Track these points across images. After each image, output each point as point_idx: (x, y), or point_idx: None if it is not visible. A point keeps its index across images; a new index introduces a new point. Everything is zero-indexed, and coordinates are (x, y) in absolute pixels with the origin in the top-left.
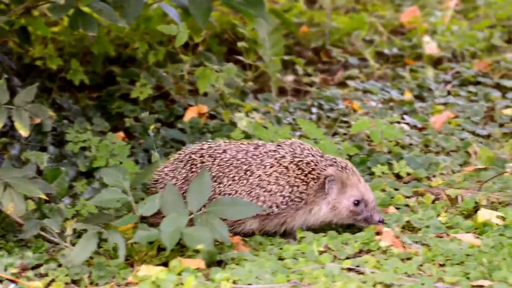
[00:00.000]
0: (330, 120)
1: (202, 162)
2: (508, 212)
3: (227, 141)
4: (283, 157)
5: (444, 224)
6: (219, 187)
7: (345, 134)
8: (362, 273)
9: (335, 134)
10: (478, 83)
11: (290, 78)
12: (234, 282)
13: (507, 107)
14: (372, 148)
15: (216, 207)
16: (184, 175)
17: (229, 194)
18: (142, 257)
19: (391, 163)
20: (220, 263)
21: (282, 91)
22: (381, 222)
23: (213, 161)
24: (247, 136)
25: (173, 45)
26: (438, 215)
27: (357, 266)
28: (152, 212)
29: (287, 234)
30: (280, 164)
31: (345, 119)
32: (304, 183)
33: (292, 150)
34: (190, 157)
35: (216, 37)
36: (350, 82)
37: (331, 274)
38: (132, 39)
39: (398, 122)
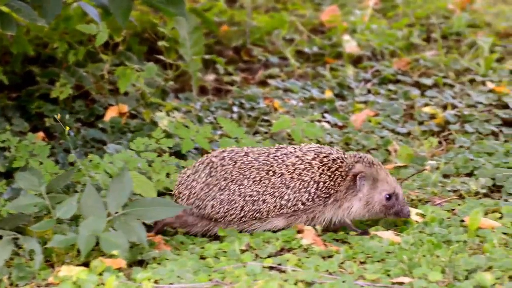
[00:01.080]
0: (251, 119)
1: (223, 165)
2: (428, 209)
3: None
4: (306, 154)
5: (364, 222)
6: (239, 189)
7: (266, 132)
8: (283, 272)
9: (256, 132)
10: (397, 81)
11: (211, 77)
12: (156, 282)
13: (426, 105)
14: None
15: (135, 208)
16: (203, 179)
17: (250, 195)
18: (62, 257)
19: None
20: (141, 263)
21: (203, 90)
22: (409, 215)
23: (234, 164)
24: (168, 136)
25: (93, 45)
26: None
27: (279, 265)
28: (70, 214)
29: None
30: (303, 161)
31: (266, 117)
32: (331, 179)
33: (314, 149)
34: (210, 160)
35: (137, 36)
36: (271, 81)
37: (252, 272)
38: (52, 39)
39: (319, 121)
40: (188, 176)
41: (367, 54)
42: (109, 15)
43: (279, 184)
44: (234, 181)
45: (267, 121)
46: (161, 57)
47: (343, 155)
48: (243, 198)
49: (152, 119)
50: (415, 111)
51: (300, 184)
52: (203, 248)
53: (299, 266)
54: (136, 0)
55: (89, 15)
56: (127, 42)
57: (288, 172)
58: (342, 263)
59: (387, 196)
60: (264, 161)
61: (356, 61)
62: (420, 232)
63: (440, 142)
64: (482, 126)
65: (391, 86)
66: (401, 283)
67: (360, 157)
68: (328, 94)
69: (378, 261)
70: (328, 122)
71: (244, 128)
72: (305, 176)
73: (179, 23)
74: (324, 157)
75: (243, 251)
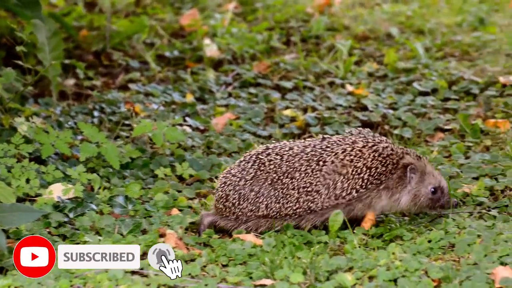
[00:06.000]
0: (112, 124)
1: (270, 161)
2: None
3: (291, 140)
4: (355, 142)
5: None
6: (292, 182)
7: (127, 137)
8: (145, 276)
9: (117, 137)
10: (258, 84)
11: (71, 82)
12: None
13: (286, 108)
14: (155, 151)
15: None
16: (252, 174)
17: (304, 187)
18: None
19: (173, 165)
20: (1, 270)
21: (63, 95)
22: (458, 205)
23: (281, 158)
24: (28, 141)
25: None
26: None
27: (141, 269)
28: None
29: None
30: (354, 148)
31: (127, 122)
32: (382, 164)
33: (363, 136)
34: (257, 157)
35: None
36: (131, 85)
37: (114, 277)
38: None
39: (180, 125)
40: (233, 176)
41: (227, 58)
42: None
43: (334, 173)
44: (284, 174)
45: (128, 125)
46: (20, 62)
47: (391, 144)
48: (297, 191)
49: (11, 124)
50: (276, 114)
51: (353, 170)
52: None
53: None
54: None
55: None
56: None
57: (339, 159)
58: (204, 266)
59: (433, 189)
60: (312, 152)
61: (217, 64)
62: (282, 234)
63: None
64: (341, 128)
65: (252, 90)
66: (263, 286)
67: (407, 150)
68: (189, 98)
69: (241, 264)
70: (189, 126)
71: (105, 132)
72: (357, 162)
73: (38, 28)
74: (373, 145)
75: None
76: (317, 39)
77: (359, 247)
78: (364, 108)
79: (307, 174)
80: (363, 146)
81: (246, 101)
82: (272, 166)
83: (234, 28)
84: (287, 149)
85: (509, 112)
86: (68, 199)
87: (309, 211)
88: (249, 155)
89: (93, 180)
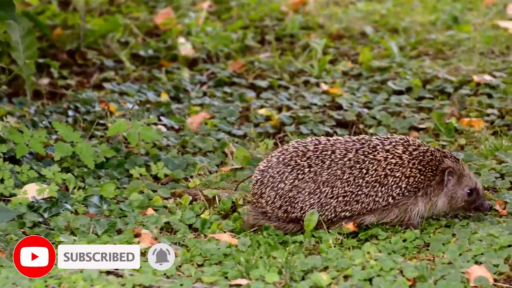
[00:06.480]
0: (86, 123)
1: (310, 166)
2: None
3: (329, 138)
4: (395, 147)
5: (202, 225)
6: (332, 191)
7: (102, 136)
8: (121, 276)
9: (92, 137)
10: (233, 83)
11: (45, 81)
12: None
13: (261, 107)
14: (130, 150)
15: None
16: (291, 181)
17: (344, 196)
18: None
19: (148, 164)
20: None
21: (37, 95)
22: (492, 208)
23: (322, 165)
24: (2, 141)
25: None
26: (197, 216)
27: (116, 269)
28: None
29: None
30: (394, 155)
31: (102, 121)
32: (421, 173)
33: (403, 141)
34: (296, 162)
35: None
36: (106, 85)
37: (89, 277)
38: None
39: (155, 124)
40: (272, 177)
41: (202, 57)
42: None
43: (374, 182)
44: (324, 183)
45: (103, 124)
46: None
47: (431, 148)
48: (335, 200)
49: None
50: (251, 113)
51: (392, 180)
52: None
53: (137, 270)
54: None
55: None
56: None
57: (381, 168)
58: (179, 266)
59: (469, 191)
60: (355, 159)
61: (191, 63)
62: (257, 233)
63: (276, 144)
64: (316, 127)
65: (227, 89)
66: (238, 285)
67: (444, 152)
68: (164, 97)
69: (216, 264)
70: (164, 125)
71: (80, 132)
72: (397, 172)
73: (11, 26)
74: (414, 150)
75: None
76: (291, 38)
77: (334, 246)
78: (339, 107)
79: (348, 183)
80: (403, 152)
81: (221, 100)
82: (312, 175)
83: (208, 26)
84: (329, 152)
85: (483, 111)
86: (43, 199)
87: (343, 218)
88: (289, 155)
89: (67, 180)
